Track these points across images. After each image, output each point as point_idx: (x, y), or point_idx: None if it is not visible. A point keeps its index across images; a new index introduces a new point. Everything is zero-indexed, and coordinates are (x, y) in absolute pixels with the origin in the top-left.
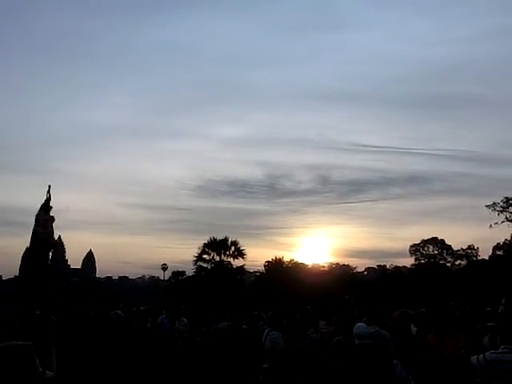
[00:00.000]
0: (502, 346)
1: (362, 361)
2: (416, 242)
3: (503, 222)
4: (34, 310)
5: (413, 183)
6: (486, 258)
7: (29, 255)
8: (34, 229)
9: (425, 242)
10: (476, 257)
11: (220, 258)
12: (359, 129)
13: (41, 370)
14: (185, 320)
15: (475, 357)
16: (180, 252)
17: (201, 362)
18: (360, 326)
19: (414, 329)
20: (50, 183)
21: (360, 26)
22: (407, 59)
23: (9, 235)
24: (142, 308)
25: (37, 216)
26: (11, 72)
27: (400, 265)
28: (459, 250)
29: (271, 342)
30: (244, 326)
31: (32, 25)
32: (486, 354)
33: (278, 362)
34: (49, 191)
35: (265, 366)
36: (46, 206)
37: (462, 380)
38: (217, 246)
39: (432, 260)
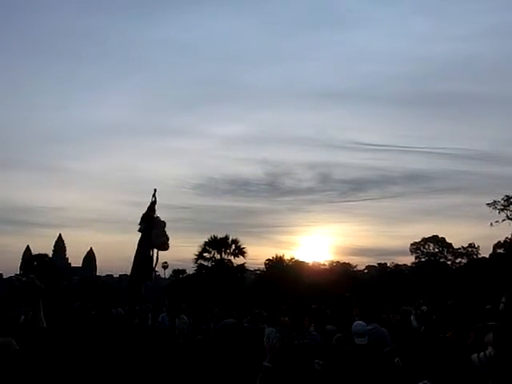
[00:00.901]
0: None
1: (359, 361)
2: (417, 241)
3: (504, 220)
4: (21, 278)
5: (413, 181)
6: (487, 256)
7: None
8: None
9: (425, 241)
10: (476, 255)
11: (221, 256)
12: (360, 127)
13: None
14: (185, 318)
15: (476, 355)
16: (181, 250)
17: (201, 360)
18: (358, 324)
19: (414, 323)
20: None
21: (360, 24)
22: (408, 57)
23: (9, 233)
24: (143, 306)
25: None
26: (11, 69)
27: (401, 263)
28: (460, 249)
29: (266, 338)
30: (245, 324)
31: (32, 23)
32: (487, 352)
33: (277, 359)
34: (154, 195)
35: (265, 363)
36: (150, 210)
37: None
38: (217, 244)
39: (432, 258)
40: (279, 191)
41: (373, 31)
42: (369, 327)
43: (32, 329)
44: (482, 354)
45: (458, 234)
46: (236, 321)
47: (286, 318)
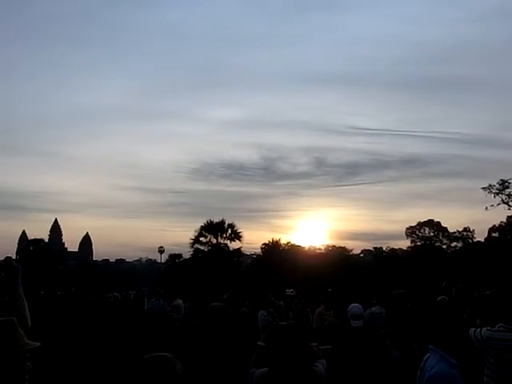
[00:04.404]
0: (498, 324)
1: (355, 343)
2: (412, 225)
3: (499, 204)
4: None
5: (409, 166)
6: (482, 240)
7: None
8: None
9: (421, 225)
10: (472, 239)
11: (217, 240)
12: (355, 111)
13: (26, 341)
14: (180, 302)
15: (473, 330)
16: (177, 235)
17: (197, 342)
18: (354, 307)
19: None
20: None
21: (357, 8)
22: (404, 41)
23: (5, 218)
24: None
25: None
26: (6, 54)
27: (396, 247)
28: (455, 233)
29: (259, 320)
30: (244, 309)
31: (27, 7)
32: (483, 329)
33: (268, 337)
34: None
35: (259, 342)
36: None
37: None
38: (214, 228)
39: (428, 242)
40: (275, 175)
41: (370, 15)
42: (378, 310)
43: (13, 308)
44: (478, 330)
45: (453, 218)
46: (224, 304)
47: (281, 302)
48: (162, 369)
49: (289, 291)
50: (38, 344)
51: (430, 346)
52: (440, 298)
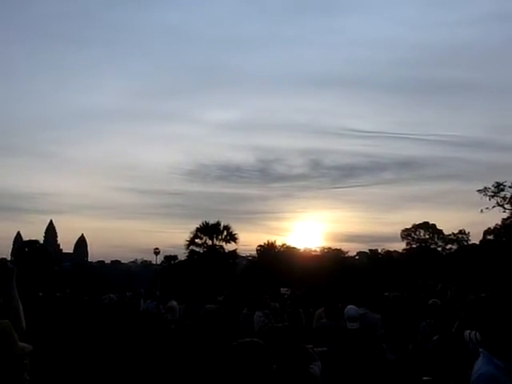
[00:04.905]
0: None
1: (351, 345)
2: (407, 227)
3: (494, 206)
4: None
5: (405, 168)
6: (477, 242)
7: None
8: None
9: (416, 227)
10: (467, 241)
11: (212, 242)
12: (351, 114)
13: (19, 345)
14: (174, 303)
15: (467, 332)
16: (172, 236)
17: (191, 343)
18: (351, 309)
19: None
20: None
21: (355, 10)
22: (400, 44)
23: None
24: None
25: None
26: (5, 54)
27: (391, 249)
28: (450, 235)
29: (254, 322)
30: (245, 310)
31: (27, 7)
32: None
33: (264, 340)
34: None
35: None
36: None
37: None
38: (209, 230)
39: (423, 244)
40: (271, 177)
41: (368, 17)
42: (360, 311)
43: (7, 309)
44: (473, 333)
45: (448, 221)
46: (219, 306)
47: (276, 304)
48: (255, 353)
49: (283, 290)
50: (31, 348)
51: (480, 349)
52: (431, 301)
